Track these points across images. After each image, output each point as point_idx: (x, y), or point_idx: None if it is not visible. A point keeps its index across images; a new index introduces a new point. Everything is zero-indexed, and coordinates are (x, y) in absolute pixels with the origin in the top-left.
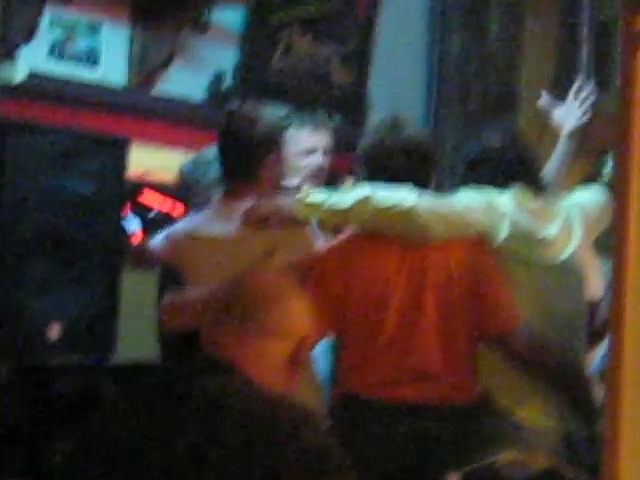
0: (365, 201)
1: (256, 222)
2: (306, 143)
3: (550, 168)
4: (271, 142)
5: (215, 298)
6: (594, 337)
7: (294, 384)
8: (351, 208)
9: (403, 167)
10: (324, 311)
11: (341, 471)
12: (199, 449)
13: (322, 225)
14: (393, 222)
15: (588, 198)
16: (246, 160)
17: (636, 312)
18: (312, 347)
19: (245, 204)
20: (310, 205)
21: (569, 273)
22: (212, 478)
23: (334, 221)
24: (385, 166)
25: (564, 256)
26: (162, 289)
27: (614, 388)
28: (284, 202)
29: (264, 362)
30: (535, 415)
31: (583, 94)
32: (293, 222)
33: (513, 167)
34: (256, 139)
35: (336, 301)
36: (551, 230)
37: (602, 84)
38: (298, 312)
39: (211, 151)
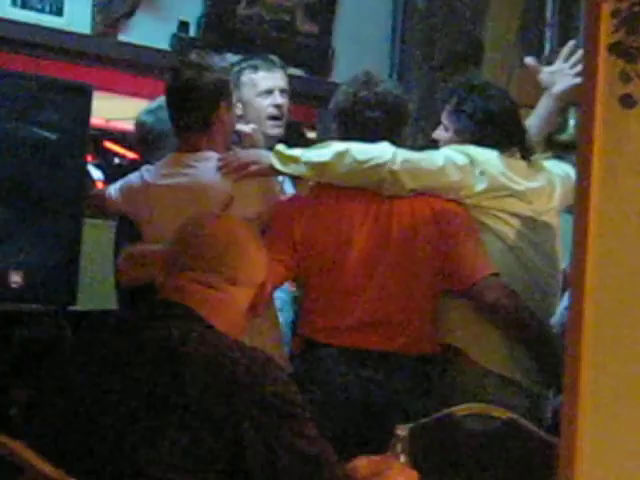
0: (343, 154)
1: (235, 169)
2: (262, 84)
3: (531, 124)
4: (221, 90)
5: (172, 246)
6: None
7: (248, 329)
8: (329, 161)
9: (378, 120)
10: (286, 255)
11: (302, 417)
12: (159, 395)
13: (299, 178)
14: (369, 175)
15: (565, 169)
16: (197, 110)
17: (597, 265)
18: (272, 291)
19: (199, 155)
20: (288, 157)
21: (545, 228)
22: (173, 423)
23: (311, 174)
24: (360, 119)
25: (543, 211)
26: (119, 240)
27: (574, 344)
28: (262, 152)
29: (223, 309)
30: (502, 367)
31: (575, 57)
32: (269, 172)
33: (511, 130)
34: (206, 88)
35: (299, 246)
36: (532, 184)
37: (567, 36)
38: (258, 259)
39: None
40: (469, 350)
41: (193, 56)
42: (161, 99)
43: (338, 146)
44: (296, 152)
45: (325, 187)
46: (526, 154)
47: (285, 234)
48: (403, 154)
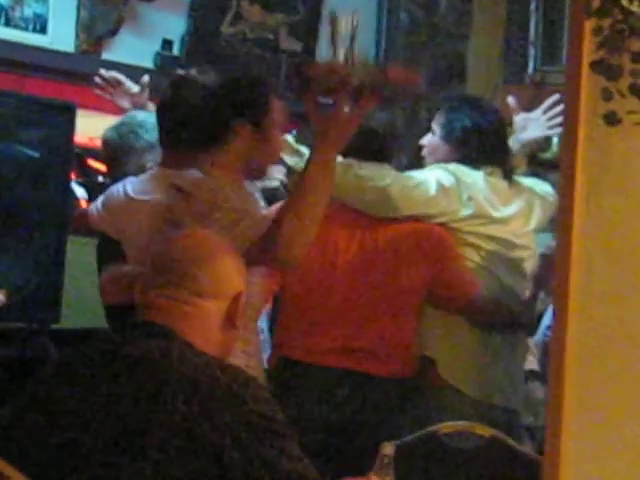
0: (347, 168)
1: None
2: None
3: None
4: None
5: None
6: None
7: (233, 347)
8: None
9: (364, 149)
10: (272, 275)
11: (284, 435)
12: (141, 416)
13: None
14: (365, 194)
15: (545, 189)
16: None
17: (581, 283)
18: (260, 309)
19: (185, 173)
20: (294, 149)
21: (521, 249)
22: (155, 444)
23: None
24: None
25: (520, 234)
26: (101, 259)
27: (558, 360)
28: None
29: (200, 324)
30: (479, 390)
31: (556, 110)
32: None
33: (496, 148)
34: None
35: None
36: (510, 210)
37: (551, 55)
38: (226, 271)
39: (138, 115)
40: (441, 367)
41: (194, 72)
42: (126, 115)
43: (343, 160)
44: (303, 149)
45: None
46: (508, 173)
47: None
48: (401, 180)
